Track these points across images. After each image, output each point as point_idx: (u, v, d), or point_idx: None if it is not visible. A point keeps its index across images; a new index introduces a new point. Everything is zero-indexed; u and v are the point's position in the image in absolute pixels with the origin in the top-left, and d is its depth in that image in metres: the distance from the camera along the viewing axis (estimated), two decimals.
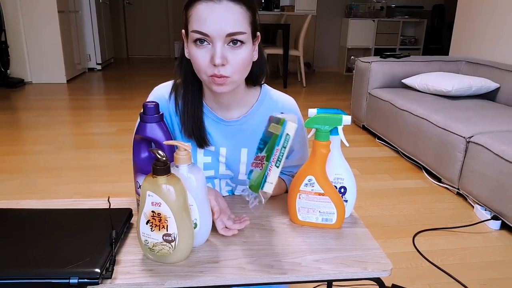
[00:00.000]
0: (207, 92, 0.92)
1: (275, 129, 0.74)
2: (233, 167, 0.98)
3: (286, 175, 1.05)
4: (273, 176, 0.72)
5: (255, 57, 0.87)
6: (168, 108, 0.94)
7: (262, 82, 0.97)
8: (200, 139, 0.92)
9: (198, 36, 0.77)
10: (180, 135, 0.95)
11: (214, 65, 0.78)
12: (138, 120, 0.97)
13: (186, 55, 0.85)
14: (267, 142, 0.75)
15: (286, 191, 1.03)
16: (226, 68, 0.78)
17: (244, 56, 0.80)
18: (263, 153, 0.75)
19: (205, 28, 0.76)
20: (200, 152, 0.96)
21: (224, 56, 0.77)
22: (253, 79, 0.92)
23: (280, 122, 0.73)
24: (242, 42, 0.79)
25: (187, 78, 0.90)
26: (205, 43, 0.78)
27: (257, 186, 0.73)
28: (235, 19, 0.76)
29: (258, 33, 0.86)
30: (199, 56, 0.78)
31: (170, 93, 0.93)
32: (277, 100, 0.97)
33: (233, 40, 0.78)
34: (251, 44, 0.82)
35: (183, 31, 0.84)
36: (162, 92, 0.95)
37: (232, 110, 0.94)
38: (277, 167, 0.71)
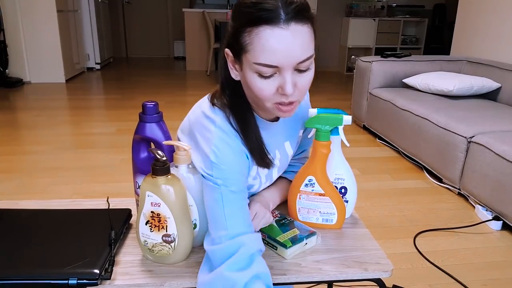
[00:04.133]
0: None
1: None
2: (285, 165, 0.93)
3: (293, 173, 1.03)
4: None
5: None
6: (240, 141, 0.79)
7: None
8: (264, 159, 0.82)
9: (266, 69, 0.68)
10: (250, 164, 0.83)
11: (283, 94, 0.70)
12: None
13: (234, 76, 0.75)
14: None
15: None
16: (294, 93, 0.71)
17: (310, 77, 0.72)
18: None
19: (274, 61, 0.67)
20: (255, 176, 0.87)
21: (294, 84, 0.70)
22: None
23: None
24: (310, 65, 0.71)
25: (236, 103, 0.79)
26: (273, 73, 0.69)
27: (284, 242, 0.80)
28: (304, 44, 0.67)
29: None
30: (265, 88, 0.70)
31: (232, 126, 0.78)
32: None
33: (302, 67, 0.69)
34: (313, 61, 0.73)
35: (228, 51, 0.74)
36: (226, 128, 0.77)
37: None
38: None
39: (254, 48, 0.67)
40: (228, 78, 0.78)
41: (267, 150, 0.82)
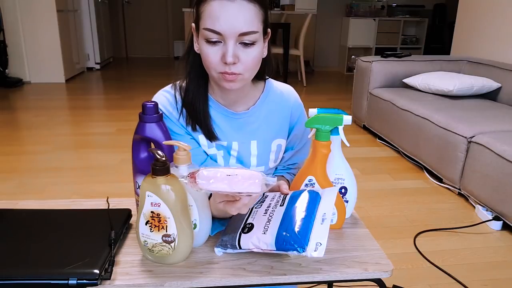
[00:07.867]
0: (214, 87, 0.91)
1: None
2: (245, 161, 0.96)
3: (289, 174, 1.04)
4: None
5: (265, 54, 0.87)
6: (176, 107, 0.91)
7: (267, 78, 0.97)
8: (207, 131, 0.90)
9: (211, 34, 0.77)
10: (186, 133, 0.92)
11: (225, 63, 0.77)
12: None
13: (196, 49, 0.84)
14: None
15: None
16: (237, 66, 0.79)
17: (254, 54, 0.80)
18: None
19: (218, 26, 0.75)
20: (212, 146, 0.93)
21: (235, 55, 0.77)
22: (259, 75, 0.92)
23: None
24: (253, 41, 0.78)
25: (193, 72, 0.89)
26: (217, 41, 0.77)
27: None
28: (248, 18, 0.76)
29: (269, 30, 0.85)
30: (210, 54, 0.78)
31: (175, 92, 0.91)
32: (281, 91, 0.99)
33: (245, 39, 0.77)
34: (262, 42, 0.82)
35: (193, 25, 0.84)
36: (165, 95, 0.92)
37: (239, 104, 0.93)
38: None
39: (204, 15, 0.77)
40: (191, 52, 0.87)
41: (211, 122, 0.91)
